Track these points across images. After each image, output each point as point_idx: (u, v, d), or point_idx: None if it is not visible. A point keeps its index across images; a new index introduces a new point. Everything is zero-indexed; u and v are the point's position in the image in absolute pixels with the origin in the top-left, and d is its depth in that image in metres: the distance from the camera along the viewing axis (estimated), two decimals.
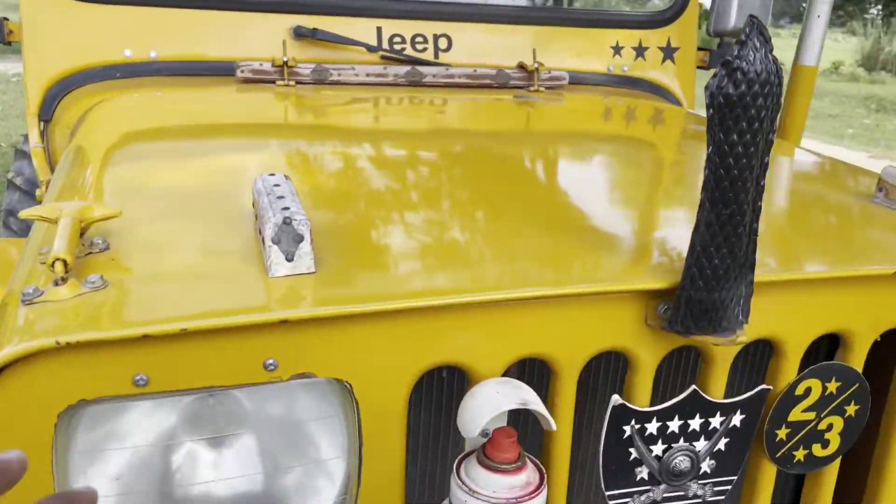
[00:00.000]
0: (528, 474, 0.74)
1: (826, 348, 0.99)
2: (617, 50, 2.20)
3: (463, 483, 0.73)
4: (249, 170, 1.15)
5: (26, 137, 3.27)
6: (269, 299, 0.71)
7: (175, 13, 1.90)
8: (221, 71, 1.88)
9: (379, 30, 2.02)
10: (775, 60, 0.71)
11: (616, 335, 0.82)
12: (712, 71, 2.22)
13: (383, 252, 0.85)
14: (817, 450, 0.94)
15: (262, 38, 1.94)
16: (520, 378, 0.95)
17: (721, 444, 0.89)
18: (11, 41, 1.86)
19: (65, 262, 0.71)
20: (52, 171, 1.80)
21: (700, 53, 2.32)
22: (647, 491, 0.88)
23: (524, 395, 0.72)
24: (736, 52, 0.68)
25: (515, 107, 1.86)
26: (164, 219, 0.93)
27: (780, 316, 0.87)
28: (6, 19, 1.90)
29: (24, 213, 0.84)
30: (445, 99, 1.86)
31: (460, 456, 0.75)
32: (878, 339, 0.93)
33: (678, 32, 2.26)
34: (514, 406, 0.71)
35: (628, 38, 2.21)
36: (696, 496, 0.90)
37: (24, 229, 2.94)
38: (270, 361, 0.70)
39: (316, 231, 0.85)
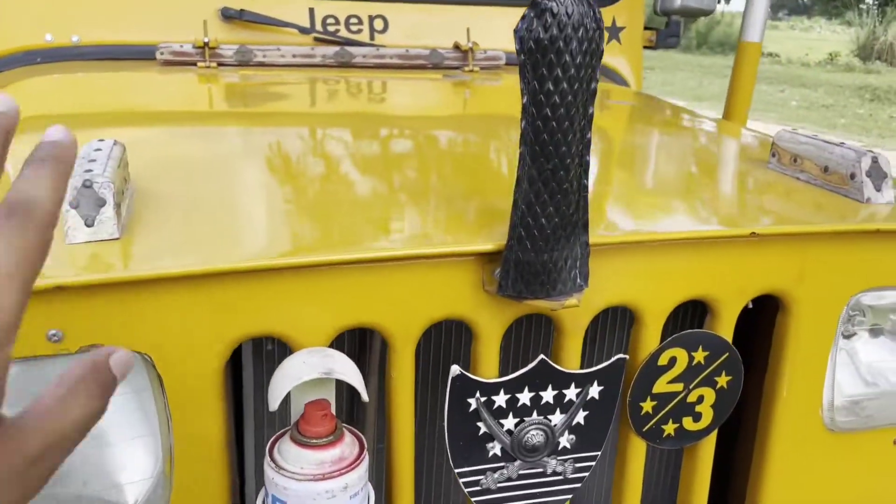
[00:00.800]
0: (344, 449, 0.70)
1: (700, 317, 0.94)
2: None
3: (273, 461, 0.69)
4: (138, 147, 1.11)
5: None
6: (58, 265, 0.67)
7: None
8: (146, 55, 1.85)
9: (311, 11, 1.97)
10: (591, 3, 0.67)
11: (453, 303, 0.77)
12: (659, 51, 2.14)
13: (210, 220, 0.81)
14: (688, 423, 0.90)
15: (188, 20, 1.90)
16: (360, 351, 0.91)
17: (580, 418, 0.84)
18: None
19: None
20: None
21: (647, 33, 2.28)
22: (501, 468, 0.84)
23: (330, 365, 0.68)
24: None
25: (442, 86, 1.82)
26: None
27: (637, 281, 0.82)
28: None
29: None
30: (371, 80, 1.82)
31: (276, 434, 0.71)
32: (751, 307, 0.89)
33: (624, 11, 2.21)
34: (316, 376, 0.67)
35: None
36: (555, 473, 0.86)
37: None
38: (53, 332, 0.66)
39: (148, 201, 0.81)
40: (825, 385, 0.94)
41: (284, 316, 0.73)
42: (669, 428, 0.89)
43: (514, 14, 2.14)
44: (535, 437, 0.83)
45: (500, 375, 0.81)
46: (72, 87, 1.67)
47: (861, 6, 19.51)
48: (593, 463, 0.87)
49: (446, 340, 0.92)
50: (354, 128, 1.35)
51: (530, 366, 0.80)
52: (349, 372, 0.69)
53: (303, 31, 1.94)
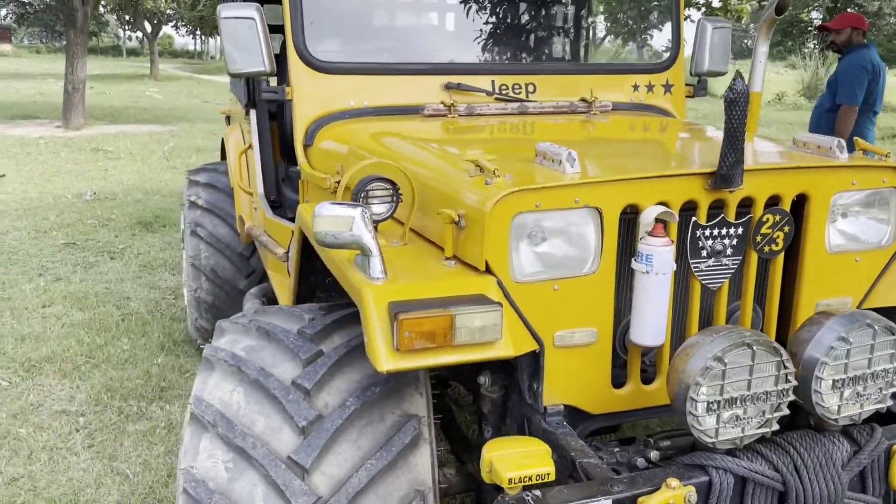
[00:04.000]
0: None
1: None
2: (636, 87, 3.48)
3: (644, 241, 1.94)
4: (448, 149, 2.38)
5: (194, 172, 4.45)
6: None
7: (376, 78, 3.13)
8: (406, 111, 3.11)
9: (493, 82, 3.27)
10: (745, 86, 1.95)
11: (693, 193, 2.05)
12: (696, 98, 3.67)
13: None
14: None
15: (424, 90, 3.18)
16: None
17: None
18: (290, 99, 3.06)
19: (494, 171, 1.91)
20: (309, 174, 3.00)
21: (687, 88, 3.62)
22: None
23: None
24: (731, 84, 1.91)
25: (580, 122, 3.12)
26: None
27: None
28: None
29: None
30: (539, 120, 3.12)
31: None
32: None
33: (673, 75, 3.55)
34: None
35: (643, 80, 3.49)
36: None
37: (208, 236, 4.11)
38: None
39: None
40: None
41: (644, 192, 1.96)
42: None
43: (608, 79, 3.45)
44: None
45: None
46: (374, 129, 2.91)
47: (804, 50, 21.59)
48: None
49: None
50: (556, 133, 2.64)
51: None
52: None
53: (488, 93, 3.24)
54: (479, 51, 3.40)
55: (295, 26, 3.00)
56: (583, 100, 3.28)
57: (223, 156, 5.10)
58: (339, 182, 2.80)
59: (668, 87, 3.54)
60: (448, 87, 3.17)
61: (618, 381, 2.08)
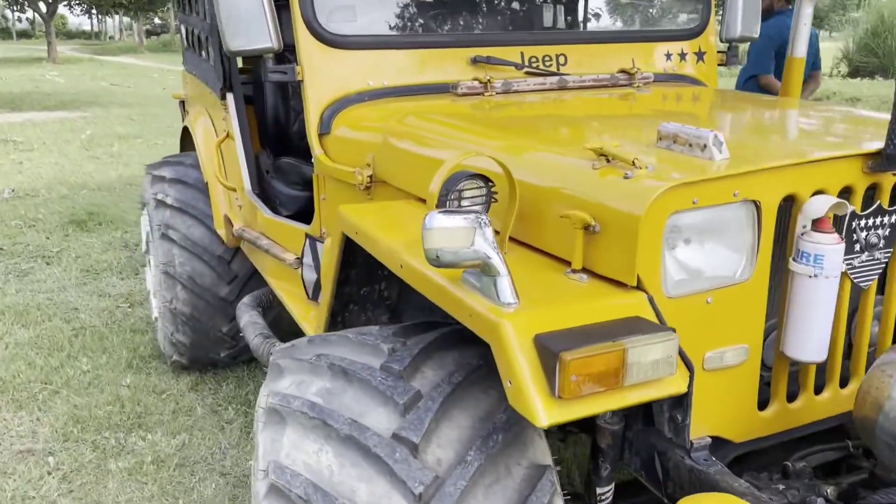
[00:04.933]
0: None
1: None
2: (668, 56, 3.16)
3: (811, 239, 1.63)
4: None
5: (156, 166, 3.94)
6: None
7: (394, 53, 2.71)
8: (431, 90, 2.71)
9: (522, 54, 2.89)
10: None
11: (849, 178, 1.74)
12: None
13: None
14: None
15: (448, 65, 2.78)
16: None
17: None
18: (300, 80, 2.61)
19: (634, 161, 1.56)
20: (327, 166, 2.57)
21: (719, 55, 3.32)
22: None
23: None
24: None
25: (645, 95, 2.78)
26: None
27: None
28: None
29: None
30: (594, 95, 2.77)
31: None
32: None
33: (704, 42, 3.24)
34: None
35: (675, 48, 3.17)
36: None
37: (182, 239, 3.62)
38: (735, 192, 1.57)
39: None
40: None
41: (803, 179, 1.64)
42: None
43: (633, 47, 3.12)
44: None
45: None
46: (411, 112, 2.51)
47: None
48: None
49: None
50: (633, 109, 2.30)
51: None
52: None
53: (518, 67, 2.86)
54: (505, 20, 3.01)
55: None
56: (622, 71, 2.94)
57: (182, 146, 4.57)
58: (371, 176, 2.40)
59: (700, 55, 3.24)
60: (476, 61, 2.78)
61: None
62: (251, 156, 3.42)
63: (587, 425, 1.90)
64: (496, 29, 3.03)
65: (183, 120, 4.65)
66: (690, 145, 1.67)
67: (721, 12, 3.29)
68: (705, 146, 1.63)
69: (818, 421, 1.86)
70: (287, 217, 3.12)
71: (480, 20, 3.01)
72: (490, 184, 1.76)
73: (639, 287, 1.53)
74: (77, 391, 3.85)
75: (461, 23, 2.99)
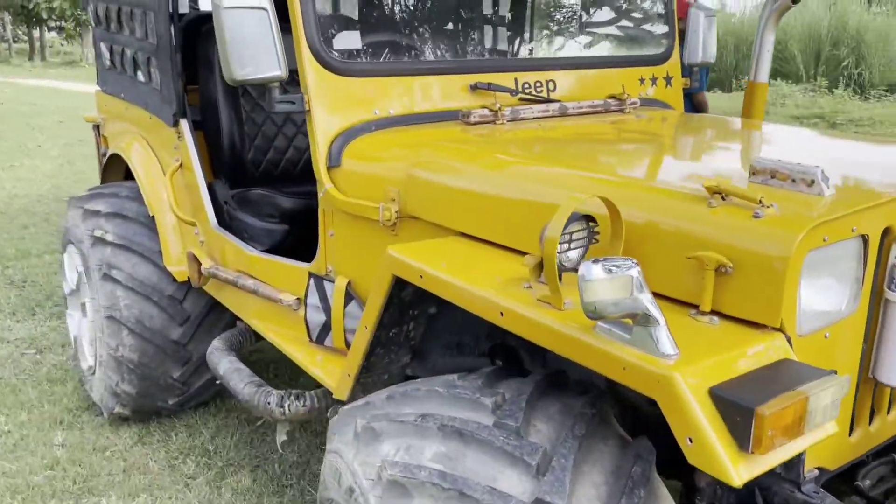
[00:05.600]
0: None
1: None
2: (642, 81, 3.22)
3: None
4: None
5: (85, 199, 3.59)
6: None
7: (398, 80, 2.59)
8: (436, 118, 2.61)
9: (516, 80, 2.85)
10: None
11: None
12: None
13: None
14: None
15: (448, 92, 2.69)
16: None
17: None
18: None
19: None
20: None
21: (684, 80, 3.42)
22: None
23: None
24: None
25: (654, 123, 2.81)
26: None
27: None
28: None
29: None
30: (583, 122, 2.76)
31: None
32: None
33: (672, 67, 3.33)
34: None
35: (647, 73, 3.23)
36: None
37: (127, 279, 3.32)
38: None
39: None
40: None
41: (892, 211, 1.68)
42: None
43: (609, 73, 3.15)
44: None
45: None
46: (414, 142, 2.39)
47: None
48: None
49: None
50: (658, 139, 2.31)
51: None
52: None
53: (513, 93, 2.81)
54: (501, 45, 2.95)
55: (307, 18, 2.38)
56: (612, 96, 2.96)
57: (103, 178, 4.18)
58: (398, 212, 2.27)
59: (668, 80, 3.32)
60: (477, 87, 2.70)
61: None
62: (209, 187, 3.17)
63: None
64: (492, 55, 2.96)
65: (99, 146, 4.26)
66: (794, 181, 1.68)
67: (683, 39, 3.39)
68: (813, 182, 1.65)
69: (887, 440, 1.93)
70: (264, 252, 2.91)
71: (476, 47, 2.94)
72: (593, 223, 1.69)
73: (779, 328, 1.52)
74: (3, 456, 3.40)
75: (458, 49, 2.90)
